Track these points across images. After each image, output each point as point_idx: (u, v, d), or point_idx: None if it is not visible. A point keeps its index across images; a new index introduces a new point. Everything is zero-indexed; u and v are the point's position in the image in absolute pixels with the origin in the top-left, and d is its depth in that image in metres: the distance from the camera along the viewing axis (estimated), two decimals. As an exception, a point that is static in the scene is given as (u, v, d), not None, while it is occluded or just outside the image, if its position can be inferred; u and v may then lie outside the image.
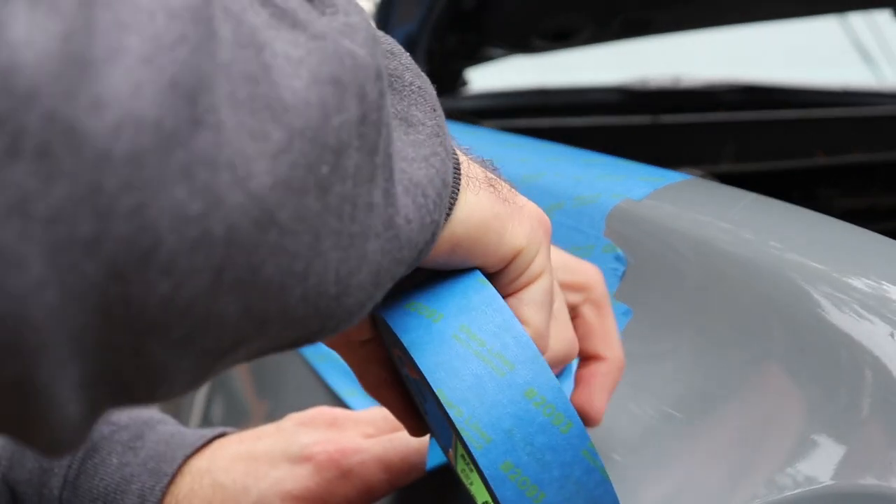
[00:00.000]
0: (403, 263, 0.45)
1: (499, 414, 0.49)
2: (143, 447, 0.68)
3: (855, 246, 0.72)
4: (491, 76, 1.59)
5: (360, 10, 0.43)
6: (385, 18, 1.24)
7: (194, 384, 0.39)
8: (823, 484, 0.58)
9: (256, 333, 0.39)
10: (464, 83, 1.43)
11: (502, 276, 0.54)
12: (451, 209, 0.50)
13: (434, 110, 0.49)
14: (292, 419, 0.71)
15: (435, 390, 0.50)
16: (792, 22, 1.68)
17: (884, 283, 0.66)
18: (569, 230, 0.82)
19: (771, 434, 0.62)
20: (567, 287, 0.61)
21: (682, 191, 0.81)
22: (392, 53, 0.50)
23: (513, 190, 0.55)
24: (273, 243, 0.36)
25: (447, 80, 1.37)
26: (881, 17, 1.92)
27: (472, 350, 0.50)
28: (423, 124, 0.48)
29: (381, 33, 0.49)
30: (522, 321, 0.54)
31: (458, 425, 0.50)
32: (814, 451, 0.60)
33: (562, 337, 0.57)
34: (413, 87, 0.50)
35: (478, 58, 1.37)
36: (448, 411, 0.50)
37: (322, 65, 0.38)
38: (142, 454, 0.68)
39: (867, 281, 0.66)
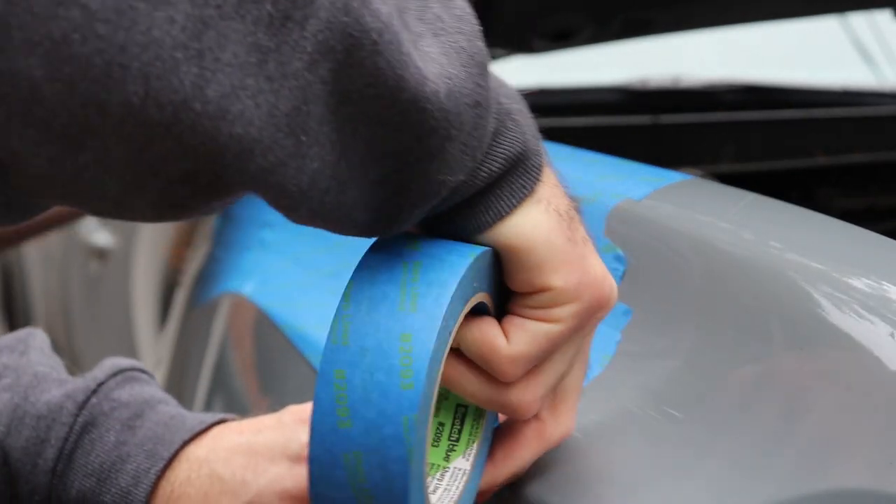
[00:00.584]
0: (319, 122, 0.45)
1: (369, 331, 0.50)
2: (142, 427, 0.67)
3: (855, 246, 0.72)
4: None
5: None
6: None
7: (56, 167, 0.41)
8: (823, 484, 0.59)
9: (104, 125, 0.40)
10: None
11: (522, 296, 0.55)
12: (505, 214, 0.52)
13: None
14: (292, 413, 0.70)
15: (350, 280, 0.52)
16: (792, 22, 1.68)
17: (884, 283, 0.66)
18: (569, 230, 0.82)
19: (771, 434, 0.62)
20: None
21: (682, 191, 0.81)
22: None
23: (589, 243, 0.56)
24: (78, 22, 0.39)
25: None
26: (881, 17, 1.92)
27: (402, 279, 0.51)
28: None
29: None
30: (507, 338, 0.54)
31: (335, 315, 0.51)
32: (814, 452, 0.60)
33: (530, 394, 0.56)
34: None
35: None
36: (340, 301, 0.51)
37: None
38: (140, 434, 0.67)
39: (867, 281, 0.66)
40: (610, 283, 0.57)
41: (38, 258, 2.62)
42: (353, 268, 1.01)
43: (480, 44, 0.51)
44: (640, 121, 1.66)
